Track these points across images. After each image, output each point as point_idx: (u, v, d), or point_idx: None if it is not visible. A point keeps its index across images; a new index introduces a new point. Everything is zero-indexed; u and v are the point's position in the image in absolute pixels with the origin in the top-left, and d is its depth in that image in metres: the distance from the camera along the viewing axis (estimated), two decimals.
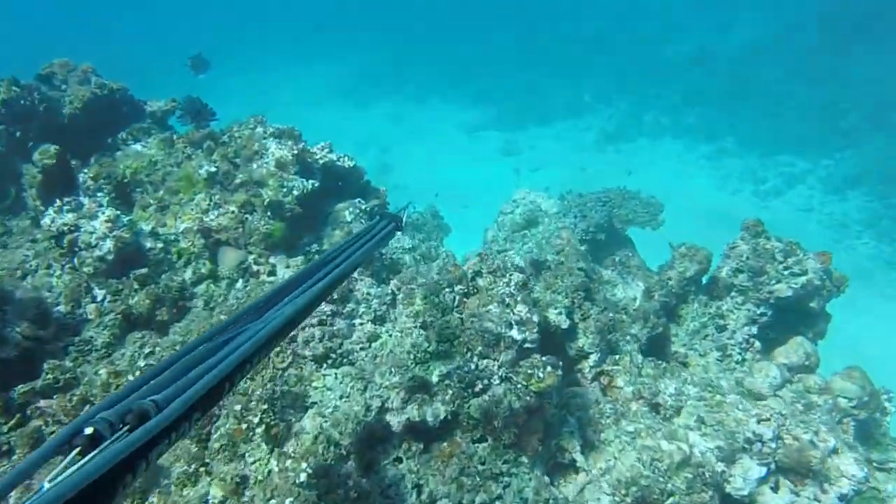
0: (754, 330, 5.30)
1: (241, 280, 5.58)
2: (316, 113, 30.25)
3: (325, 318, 5.10)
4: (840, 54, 27.26)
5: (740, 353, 5.27)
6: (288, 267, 5.71)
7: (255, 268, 5.70)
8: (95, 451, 1.42)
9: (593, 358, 5.14)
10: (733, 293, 5.39)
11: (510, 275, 5.15)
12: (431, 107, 30.72)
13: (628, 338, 5.20)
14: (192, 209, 5.87)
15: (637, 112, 26.63)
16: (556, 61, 32.47)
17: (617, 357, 5.15)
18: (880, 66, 25.54)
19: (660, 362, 5.12)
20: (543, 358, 4.82)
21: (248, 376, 3.73)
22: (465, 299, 5.13)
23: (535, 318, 4.94)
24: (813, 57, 27.40)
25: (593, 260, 9.04)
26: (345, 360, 5.01)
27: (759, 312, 5.31)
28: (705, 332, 5.32)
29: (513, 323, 4.84)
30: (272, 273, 5.69)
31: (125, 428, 1.52)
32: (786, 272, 5.30)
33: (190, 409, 1.68)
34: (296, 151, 6.12)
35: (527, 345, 4.84)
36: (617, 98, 28.19)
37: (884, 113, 23.49)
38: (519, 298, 4.96)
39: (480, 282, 5.17)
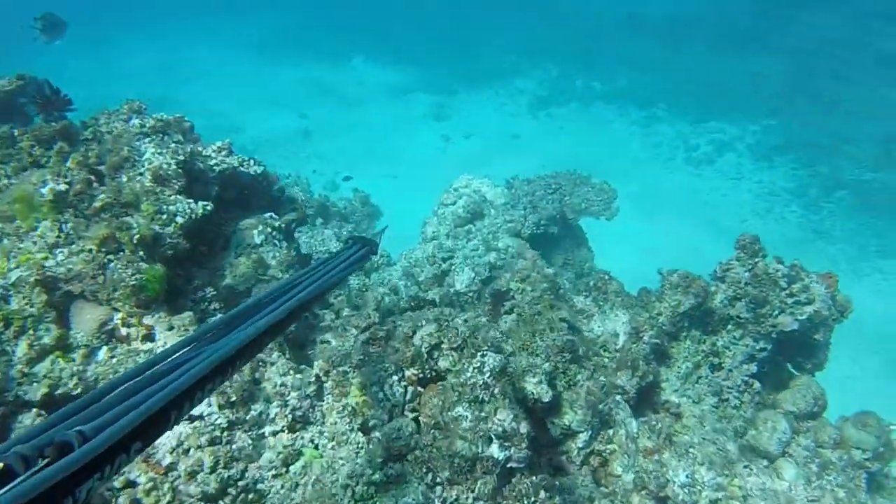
0: (753, 368, 4.56)
1: (104, 348, 4.10)
2: (220, 81, 28.08)
3: (218, 432, 3.72)
4: (767, 20, 27.25)
5: (738, 397, 4.54)
6: (171, 329, 4.18)
7: (123, 331, 4.17)
8: (3, 490, 1.21)
9: (583, 438, 4.14)
10: (730, 326, 4.64)
11: (482, 356, 3.93)
12: (353, 66, 29.00)
13: (619, 399, 4.28)
14: (32, 247, 4.17)
15: (569, 76, 25.87)
16: (487, 22, 31.27)
17: (611, 432, 4.21)
18: (805, 33, 25.66)
19: (655, 423, 4.27)
20: (534, 479, 3.70)
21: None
22: (419, 388, 4.04)
23: (524, 429, 3.75)
24: (741, 23, 27.28)
25: (545, 255, 8.20)
26: (250, 497, 3.67)
27: (758, 347, 4.57)
28: (699, 372, 4.54)
29: (493, 437, 3.71)
30: (149, 338, 4.18)
31: (43, 462, 1.31)
32: (790, 300, 4.57)
33: (125, 439, 1.48)
34: (182, 157, 4.64)
35: (512, 464, 3.74)
36: (548, 61, 27.31)
37: (807, 80, 23.62)
38: (497, 393, 3.79)
39: (442, 363, 4.05)
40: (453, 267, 6.45)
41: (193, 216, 4.43)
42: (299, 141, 22.56)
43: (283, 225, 5.16)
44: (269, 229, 4.98)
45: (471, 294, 6.16)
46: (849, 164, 19.40)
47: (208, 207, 4.52)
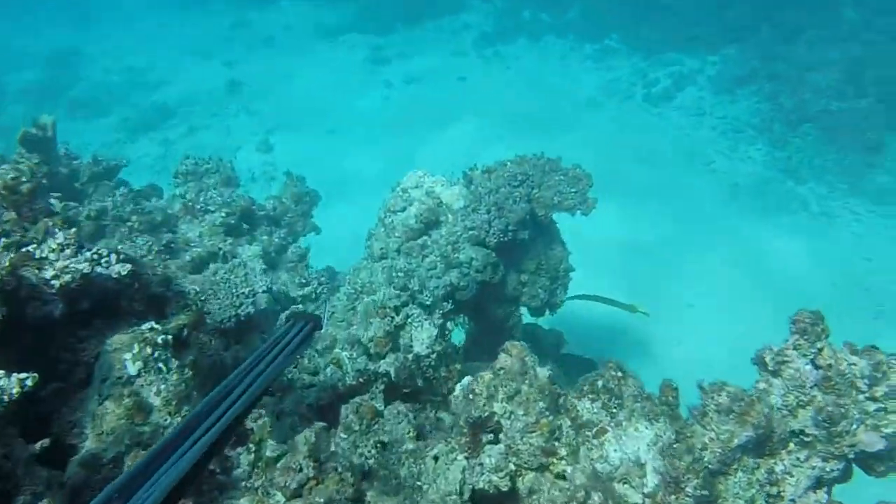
0: (823, 498, 3.48)
1: None
2: (139, 31, 25.36)
3: None
4: None
5: None
6: None
7: None
8: None
9: None
10: (792, 445, 3.50)
11: None
12: (281, 7, 26.46)
13: None
14: None
15: (515, 7, 23.98)
16: None
17: None
18: None
19: None
20: None
21: None
22: None
23: None
24: None
25: (515, 263, 6.98)
26: None
27: (828, 469, 3.48)
28: None
29: None
30: None
31: None
32: (872, 406, 3.44)
33: None
34: None
35: None
36: None
37: (769, 7, 22.33)
38: None
39: None
40: (409, 319, 5.15)
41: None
42: (226, 96, 20.45)
43: (169, 338, 3.68)
44: (148, 349, 3.53)
45: (433, 357, 4.92)
46: (813, 94, 18.43)
47: (27, 384, 2.97)
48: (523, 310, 7.36)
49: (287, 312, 4.70)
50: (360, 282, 6.32)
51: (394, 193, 6.91)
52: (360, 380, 4.70)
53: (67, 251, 3.34)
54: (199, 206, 7.37)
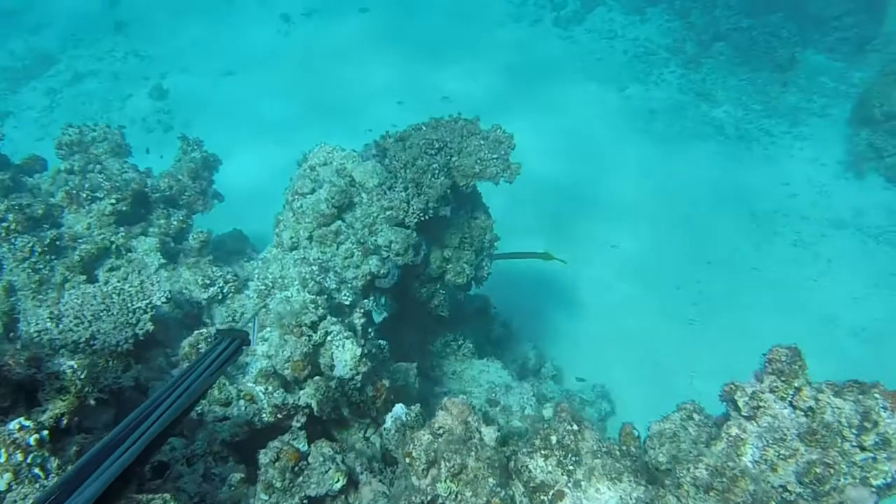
0: None
1: None
2: None
3: None
4: None
5: None
6: None
7: None
8: None
9: None
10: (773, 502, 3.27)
11: None
12: None
13: None
14: None
15: None
16: None
17: None
18: None
19: None
20: None
21: None
22: None
23: None
24: None
25: (431, 242, 6.60)
26: None
27: None
28: None
29: None
30: None
31: None
32: (860, 456, 3.21)
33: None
34: None
35: None
36: None
37: None
38: None
39: None
40: (329, 337, 4.71)
41: None
42: (112, 37, 18.58)
43: (45, 434, 3.08)
44: (18, 455, 2.95)
45: (358, 379, 4.53)
46: (724, 10, 18.28)
47: None
48: None
49: (215, 329, 4.26)
50: (270, 276, 5.82)
51: (300, 172, 6.33)
52: (279, 415, 4.30)
53: None
54: (84, 195, 6.55)
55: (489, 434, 3.45)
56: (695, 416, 3.88)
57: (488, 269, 6.97)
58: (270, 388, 4.35)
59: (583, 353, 9.74)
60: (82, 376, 3.32)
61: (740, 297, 10.85)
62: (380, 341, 5.56)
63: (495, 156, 6.66)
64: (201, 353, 3.18)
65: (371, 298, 5.87)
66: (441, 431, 3.37)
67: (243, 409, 4.28)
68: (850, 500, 3.05)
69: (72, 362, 3.35)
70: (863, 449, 3.08)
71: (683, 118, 15.51)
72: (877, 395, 3.15)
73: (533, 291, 10.61)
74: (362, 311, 5.47)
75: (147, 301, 5.06)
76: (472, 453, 3.22)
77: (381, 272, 5.86)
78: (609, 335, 10.09)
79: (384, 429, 4.29)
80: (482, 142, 6.73)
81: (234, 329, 3.45)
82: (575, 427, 3.40)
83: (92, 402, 3.41)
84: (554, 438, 3.35)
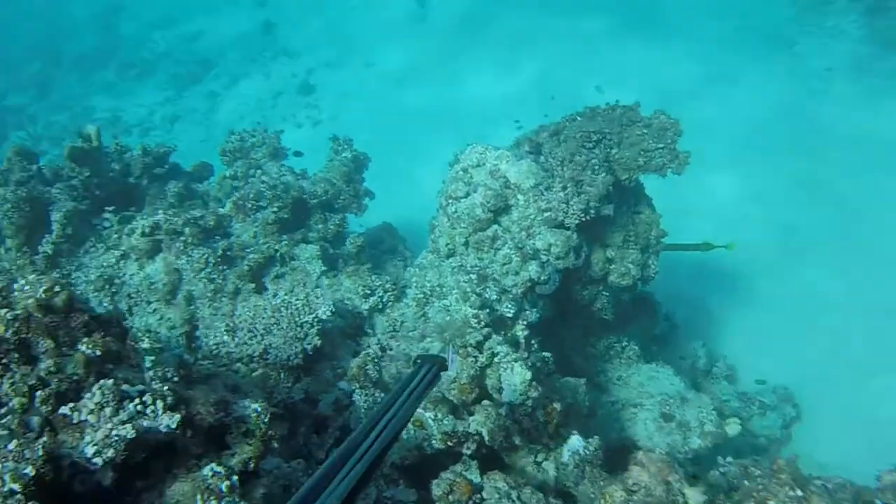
0: None
1: None
2: None
3: None
4: None
5: None
6: None
7: None
8: None
9: None
10: None
11: None
12: None
13: None
14: None
15: None
16: None
17: None
18: None
19: None
20: None
21: None
22: None
23: None
24: None
25: (598, 239, 6.20)
26: None
27: None
28: None
29: None
30: None
31: None
32: None
33: None
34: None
35: None
36: None
37: None
38: None
39: None
40: (496, 358, 4.50)
41: None
42: (262, 38, 19.50)
43: (235, 480, 3.11)
44: (213, 501, 2.97)
45: (528, 405, 4.29)
46: None
47: None
48: None
49: (414, 356, 4.31)
50: (428, 284, 5.73)
51: (453, 175, 6.15)
52: (449, 443, 4.18)
53: (107, 410, 2.81)
54: (249, 204, 6.80)
55: (694, 498, 3.08)
56: None
57: (655, 269, 6.47)
58: (440, 415, 4.23)
59: (759, 349, 8.89)
60: (266, 420, 3.33)
61: None
62: (544, 354, 5.30)
63: (661, 145, 6.12)
64: (402, 379, 2.98)
65: (530, 305, 5.60)
66: (636, 488, 3.06)
67: (413, 433, 4.20)
68: None
69: (256, 405, 3.37)
70: None
71: (869, 73, 13.66)
72: None
73: (695, 279, 9.80)
74: (525, 322, 5.23)
75: (313, 315, 5.12)
76: None
77: (542, 278, 5.57)
78: (789, 328, 9.11)
79: (561, 463, 4.04)
80: (645, 130, 6.21)
81: (432, 355, 3.36)
82: (799, 493, 2.95)
83: (275, 444, 3.42)
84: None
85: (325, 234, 6.89)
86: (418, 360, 3.15)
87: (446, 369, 3.21)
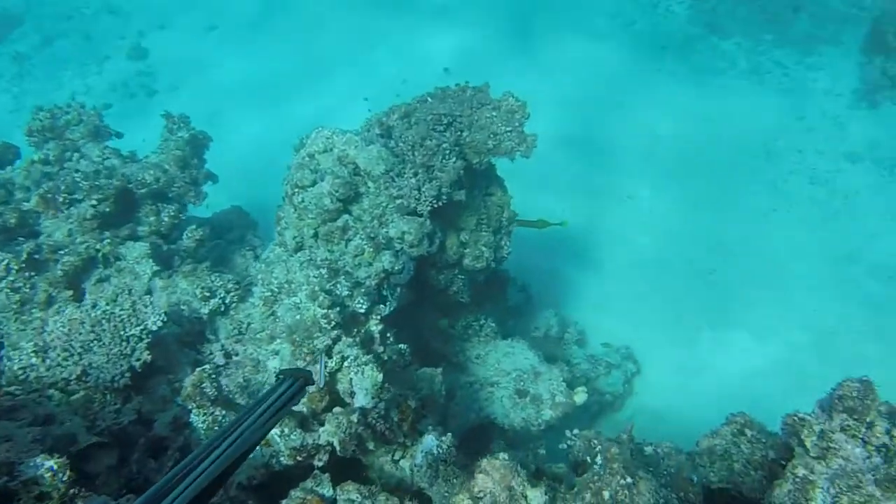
0: None
1: None
2: None
3: None
4: None
5: None
6: None
7: None
8: None
9: None
10: None
11: None
12: None
13: None
14: None
15: None
16: None
17: None
18: None
19: None
20: None
21: None
22: None
23: None
24: None
25: (447, 226, 6.08)
26: None
27: None
28: None
29: None
30: None
31: None
32: None
33: None
34: None
35: None
36: None
37: None
38: None
39: None
40: (346, 362, 4.24)
41: None
42: None
43: None
44: None
45: (381, 407, 4.08)
46: None
47: None
48: None
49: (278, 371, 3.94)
50: (275, 281, 5.33)
51: (298, 161, 5.74)
52: (299, 457, 3.89)
53: None
54: (61, 197, 5.99)
55: (536, 499, 3.05)
56: (747, 431, 3.58)
57: (508, 249, 6.47)
58: (287, 430, 3.92)
59: (606, 313, 9.32)
60: (65, 478, 2.86)
61: (759, 241, 10.40)
62: (400, 346, 5.12)
63: (509, 128, 6.06)
64: (260, 395, 2.84)
65: (384, 296, 5.39)
66: (482, 495, 2.98)
67: (259, 451, 3.88)
68: None
69: (51, 462, 2.89)
70: None
71: (693, 51, 14.66)
72: None
73: (549, 251, 10.07)
74: (379, 316, 5.01)
75: (141, 326, 4.58)
76: None
77: (396, 268, 5.37)
78: (630, 292, 9.66)
79: (415, 464, 3.90)
80: (494, 113, 6.12)
81: (296, 369, 3.27)
82: (629, 479, 3.01)
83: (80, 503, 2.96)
84: (607, 494, 2.98)
85: (158, 228, 6.23)
86: (280, 376, 2.98)
87: (312, 383, 3.01)
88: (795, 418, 3.33)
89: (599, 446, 3.29)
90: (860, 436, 3.05)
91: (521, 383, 6.27)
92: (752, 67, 14.00)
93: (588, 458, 3.37)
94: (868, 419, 3.01)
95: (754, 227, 10.68)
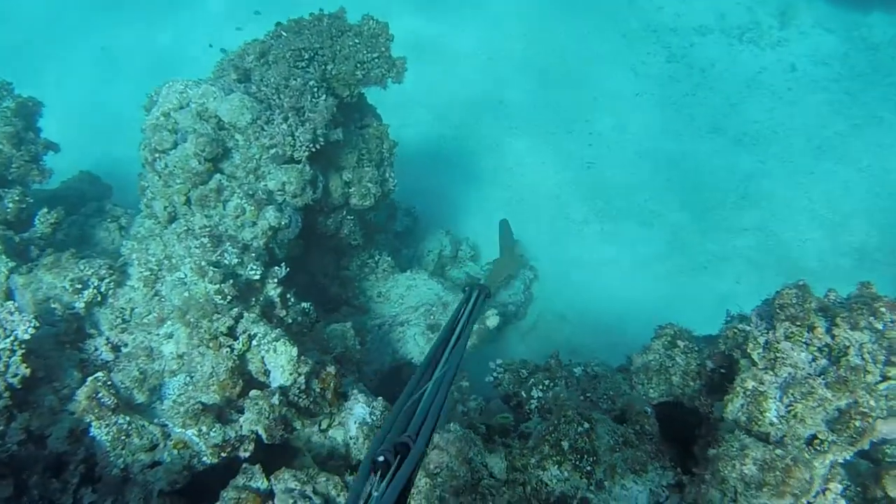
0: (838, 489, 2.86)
1: None
2: None
3: None
4: None
5: None
6: None
7: None
8: (391, 472, 1.89)
9: None
10: (807, 454, 2.82)
11: None
12: None
13: None
14: None
15: None
16: None
17: None
18: None
19: None
20: None
21: None
22: None
23: None
24: None
25: (328, 168, 5.80)
26: None
27: (843, 462, 2.94)
28: None
29: None
30: None
31: (399, 457, 1.96)
32: (884, 386, 2.86)
33: (428, 441, 2.19)
34: None
35: None
36: None
37: None
38: None
39: None
40: (255, 341, 3.96)
41: None
42: None
43: None
44: None
45: (301, 382, 3.86)
46: None
47: None
48: None
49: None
50: (153, 259, 4.90)
51: (153, 122, 5.19)
52: (223, 454, 3.66)
53: None
54: None
55: (497, 466, 3.03)
56: (679, 342, 3.63)
57: (394, 181, 6.28)
58: (205, 429, 3.68)
59: (495, 224, 9.42)
60: None
61: (627, 130, 10.71)
62: (303, 305, 4.90)
63: (375, 54, 5.74)
64: (454, 312, 2.98)
65: (276, 255, 5.10)
66: (438, 471, 2.92)
67: (176, 454, 3.62)
68: (883, 435, 2.93)
69: None
70: (887, 379, 2.91)
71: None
72: (884, 311, 2.92)
73: (432, 170, 9.95)
74: (276, 279, 4.74)
75: (11, 338, 4.10)
76: (478, 495, 2.80)
77: (282, 223, 5.06)
78: (516, 197, 9.78)
79: (350, 437, 3.80)
80: (356, 39, 5.76)
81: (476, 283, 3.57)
82: (586, 425, 3.04)
83: None
84: (566, 444, 2.99)
85: (4, 216, 5.52)
86: (466, 288, 3.14)
87: (490, 297, 3.18)
88: (735, 330, 3.37)
89: (532, 379, 3.29)
90: (803, 340, 3.11)
91: (431, 317, 6.22)
92: None
93: (523, 393, 3.38)
94: (808, 322, 3.09)
95: (621, 115, 10.94)
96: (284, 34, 5.79)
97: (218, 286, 4.23)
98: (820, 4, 12.25)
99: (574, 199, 9.74)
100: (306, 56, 5.59)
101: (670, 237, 9.15)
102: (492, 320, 6.39)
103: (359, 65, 5.66)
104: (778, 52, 11.76)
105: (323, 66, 5.66)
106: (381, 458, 1.92)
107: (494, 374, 4.78)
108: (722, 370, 3.57)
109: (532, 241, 9.13)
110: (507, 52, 11.78)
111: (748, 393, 3.15)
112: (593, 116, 10.85)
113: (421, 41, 11.34)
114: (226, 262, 4.54)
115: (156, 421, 3.87)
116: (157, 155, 5.06)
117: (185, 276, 4.68)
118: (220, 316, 3.99)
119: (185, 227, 4.90)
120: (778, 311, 3.19)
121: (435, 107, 10.63)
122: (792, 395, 3.02)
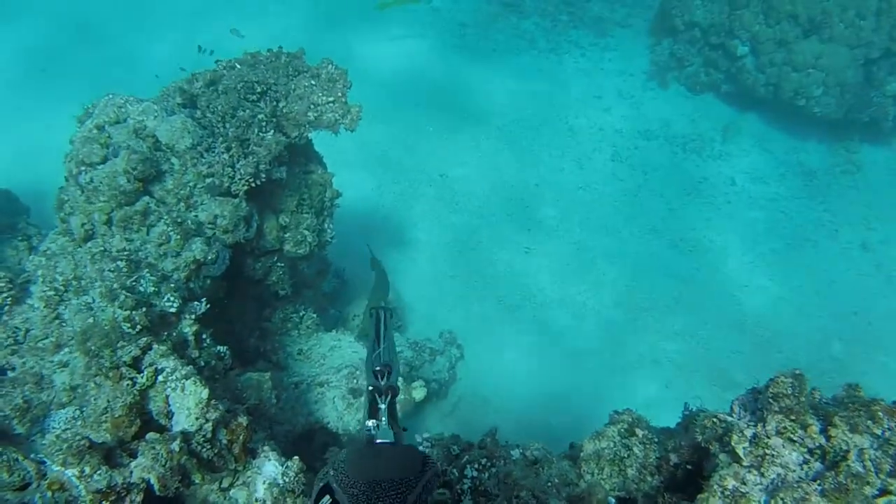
0: None
1: None
2: None
3: None
4: None
5: None
6: None
7: None
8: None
9: None
10: None
11: None
12: None
13: None
14: None
15: None
16: None
17: None
18: None
19: None
20: None
21: None
22: None
23: None
24: None
25: (266, 207, 5.54)
26: None
27: None
28: None
29: None
30: None
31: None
32: (884, 501, 2.55)
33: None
34: None
35: None
36: None
37: None
38: None
39: None
40: (161, 376, 3.58)
41: None
42: None
43: None
44: None
45: (207, 429, 3.49)
46: None
47: None
48: None
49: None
50: (60, 278, 4.46)
51: (84, 135, 4.84)
52: (105, 502, 3.21)
53: None
54: None
55: None
56: (637, 431, 3.39)
57: (332, 232, 6.06)
58: (88, 469, 3.23)
59: (424, 295, 9.23)
60: None
61: (570, 219, 10.87)
62: (219, 348, 4.52)
63: (331, 98, 5.61)
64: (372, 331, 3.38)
65: (196, 291, 4.73)
66: None
67: (49, 497, 3.15)
68: None
69: None
70: (886, 493, 2.67)
71: (493, 29, 14.93)
72: (881, 415, 2.76)
73: (359, 233, 9.72)
74: (193, 316, 4.37)
75: None
76: None
77: (209, 257, 4.73)
78: (446, 272, 9.65)
79: (256, 499, 3.41)
80: (313, 81, 5.63)
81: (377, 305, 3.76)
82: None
83: None
84: None
85: None
86: (372, 311, 3.43)
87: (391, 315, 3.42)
88: (714, 420, 3.09)
89: (467, 456, 3.02)
90: (796, 438, 2.83)
91: (355, 380, 5.88)
92: (552, 47, 14.53)
93: (454, 471, 3.10)
94: (802, 419, 2.82)
95: (568, 205, 11.12)
96: (238, 66, 5.61)
97: (128, 313, 3.85)
98: (760, 126, 12.97)
99: (507, 283, 9.69)
100: (258, 90, 5.41)
101: (603, 333, 9.16)
102: (418, 392, 6.12)
103: (312, 106, 5.51)
104: (719, 165, 12.29)
105: (274, 103, 5.48)
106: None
107: (421, 449, 4.49)
108: (689, 465, 3.29)
109: (462, 320, 8.96)
110: (452, 122, 11.93)
111: (727, 493, 2.85)
112: (533, 203, 10.99)
113: None
114: (141, 288, 4.16)
115: (32, 456, 3.38)
116: (83, 168, 4.70)
117: (93, 301, 4.27)
118: (125, 344, 3.60)
119: (102, 248, 4.50)
120: (771, 401, 2.94)
121: (371, 167, 10.57)
122: (782, 500, 2.71)
